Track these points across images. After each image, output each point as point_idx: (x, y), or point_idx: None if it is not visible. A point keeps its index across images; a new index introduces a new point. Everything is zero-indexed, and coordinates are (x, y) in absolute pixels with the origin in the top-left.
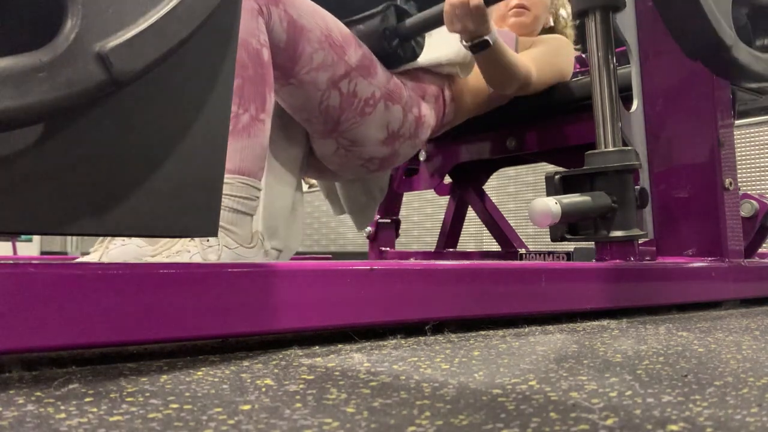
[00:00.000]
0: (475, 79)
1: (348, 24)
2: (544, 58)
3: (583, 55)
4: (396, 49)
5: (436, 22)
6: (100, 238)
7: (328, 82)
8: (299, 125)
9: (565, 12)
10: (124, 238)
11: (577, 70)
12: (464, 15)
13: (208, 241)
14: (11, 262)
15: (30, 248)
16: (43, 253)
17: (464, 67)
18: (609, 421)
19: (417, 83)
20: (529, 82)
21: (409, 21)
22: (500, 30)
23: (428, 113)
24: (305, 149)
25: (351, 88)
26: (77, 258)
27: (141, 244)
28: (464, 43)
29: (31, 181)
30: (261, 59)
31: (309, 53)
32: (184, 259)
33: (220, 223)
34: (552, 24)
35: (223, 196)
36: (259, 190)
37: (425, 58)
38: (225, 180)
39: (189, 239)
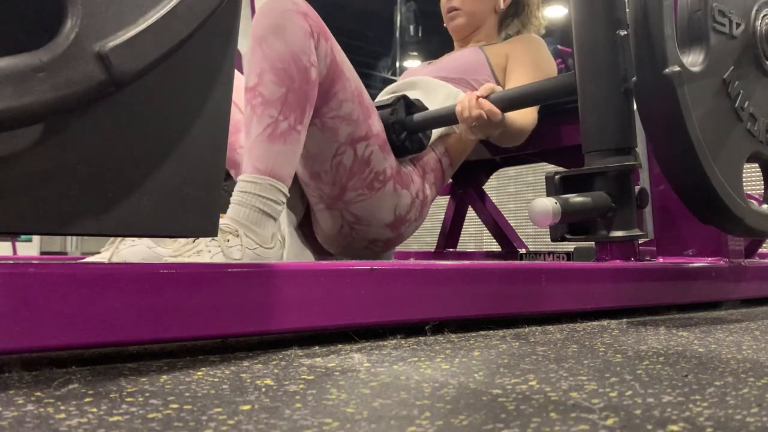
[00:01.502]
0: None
1: None
2: (534, 73)
3: (559, 47)
4: (404, 141)
5: (445, 120)
6: (111, 238)
7: (348, 137)
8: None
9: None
10: (134, 238)
11: (558, 64)
12: (481, 125)
13: (228, 240)
14: (11, 262)
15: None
16: (43, 253)
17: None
18: (609, 421)
19: (418, 162)
20: (534, 126)
21: (417, 116)
22: (468, 50)
23: (430, 191)
24: (302, 209)
25: (366, 153)
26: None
27: (151, 245)
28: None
29: (31, 181)
30: (308, 76)
31: (340, 99)
32: (205, 258)
33: (243, 222)
34: (520, 23)
35: (250, 194)
36: (286, 196)
37: (437, 131)
38: (254, 179)
39: (210, 239)
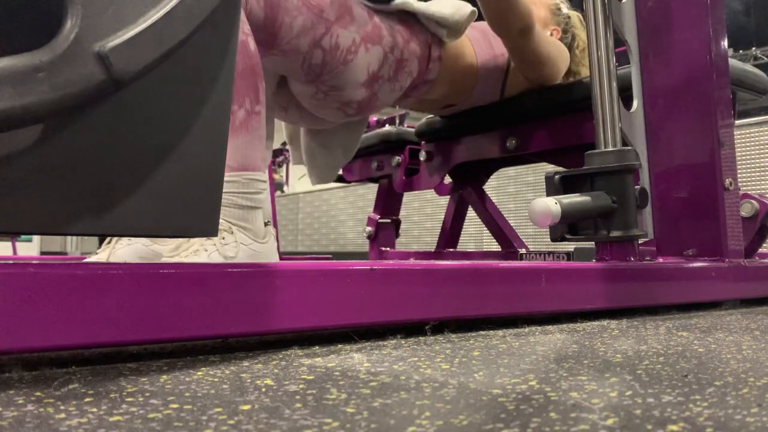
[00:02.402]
0: (466, 48)
1: None
2: (545, 34)
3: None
4: None
5: None
6: (108, 238)
7: (309, 44)
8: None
9: (579, 37)
10: (130, 238)
11: None
12: None
13: (224, 239)
14: (11, 262)
15: (30, 248)
16: (43, 253)
17: (452, 32)
18: (609, 421)
19: (405, 28)
20: (530, 25)
21: None
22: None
23: (411, 60)
24: (274, 86)
25: (333, 42)
26: (84, 258)
27: (147, 243)
28: None
29: (31, 181)
30: (248, 50)
31: (288, 23)
32: (202, 257)
33: (233, 221)
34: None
35: (231, 194)
36: (265, 182)
37: (418, 5)
38: (231, 178)
39: (206, 238)
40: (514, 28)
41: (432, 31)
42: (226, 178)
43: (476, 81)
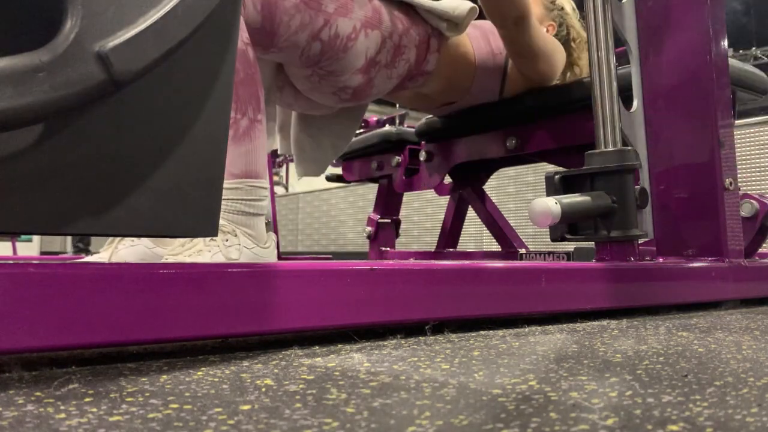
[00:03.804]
0: (464, 45)
1: None
2: (542, 31)
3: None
4: None
5: None
6: (110, 238)
7: (308, 38)
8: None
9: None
10: (134, 239)
11: None
12: None
13: (227, 240)
14: (11, 262)
15: (30, 248)
16: (43, 253)
17: (453, 27)
18: (609, 421)
19: (405, 16)
20: (526, 14)
21: None
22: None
23: (408, 46)
24: (272, 71)
25: (332, 32)
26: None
27: (150, 245)
28: None
29: (31, 181)
30: (248, 59)
31: (286, 22)
32: (205, 258)
33: (237, 227)
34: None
35: (234, 201)
36: (267, 189)
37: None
38: (234, 185)
39: (209, 239)
40: (510, 16)
41: (432, 24)
42: (229, 185)
43: (474, 78)
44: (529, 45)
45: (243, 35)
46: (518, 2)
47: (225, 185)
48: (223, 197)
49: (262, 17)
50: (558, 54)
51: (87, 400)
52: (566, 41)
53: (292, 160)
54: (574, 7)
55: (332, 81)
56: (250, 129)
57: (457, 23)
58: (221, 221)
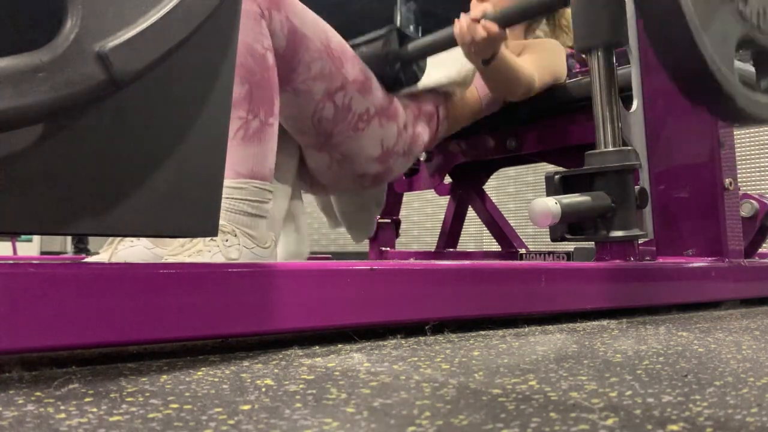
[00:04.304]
0: (469, 91)
1: (351, 47)
2: (542, 63)
3: (583, 55)
4: (398, 73)
5: (439, 47)
6: (110, 239)
7: (323, 93)
8: (291, 137)
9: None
10: (133, 239)
11: (578, 70)
12: (481, 43)
13: (227, 240)
14: (11, 262)
15: (30, 248)
16: (43, 253)
17: (462, 86)
18: (609, 421)
19: (414, 102)
20: (532, 87)
21: (411, 45)
22: None
23: (423, 131)
24: (297, 159)
25: (346, 101)
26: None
27: (149, 245)
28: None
29: (31, 181)
30: (267, 63)
31: (307, 62)
32: (205, 258)
33: (238, 226)
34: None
35: (238, 200)
36: (271, 192)
37: (426, 80)
38: (239, 185)
39: (209, 239)
40: (518, 94)
41: (443, 91)
42: (234, 184)
43: (481, 110)
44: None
45: (265, 41)
46: (523, 82)
47: (230, 184)
48: (227, 196)
49: (286, 43)
50: (557, 63)
51: (87, 400)
52: (555, 25)
53: None
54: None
55: (350, 168)
56: (260, 131)
57: (465, 83)
58: (222, 221)
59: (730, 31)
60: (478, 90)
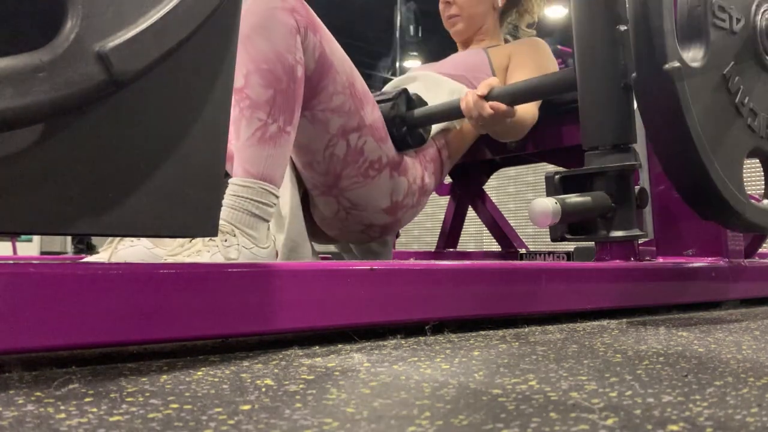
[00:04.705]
0: (467, 128)
1: None
2: (536, 74)
3: (560, 47)
4: (405, 136)
5: (447, 116)
6: (110, 238)
7: (339, 128)
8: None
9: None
10: (133, 239)
11: (559, 64)
12: (489, 119)
13: (226, 240)
14: (11, 262)
15: (30, 248)
16: (43, 253)
17: (460, 120)
18: (609, 421)
19: (420, 152)
20: (534, 122)
21: (418, 111)
22: (470, 51)
23: (430, 180)
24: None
25: (359, 144)
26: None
27: (149, 245)
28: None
29: (31, 181)
30: (295, 75)
31: (330, 92)
32: (204, 258)
33: (239, 225)
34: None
35: (243, 199)
36: (277, 197)
37: (441, 127)
38: (246, 183)
39: (208, 239)
40: (524, 134)
41: (442, 130)
42: (242, 182)
43: (478, 134)
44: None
45: (298, 54)
46: (526, 125)
47: (238, 182)
48: (233, 193)
49: (315, 66)
50: (550, 64)
51: (87, 400)
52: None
53: None
54: None
55: (358, 217)
56: (277, 136)
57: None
58: (222, 220)
59: (740, 146)
60: None
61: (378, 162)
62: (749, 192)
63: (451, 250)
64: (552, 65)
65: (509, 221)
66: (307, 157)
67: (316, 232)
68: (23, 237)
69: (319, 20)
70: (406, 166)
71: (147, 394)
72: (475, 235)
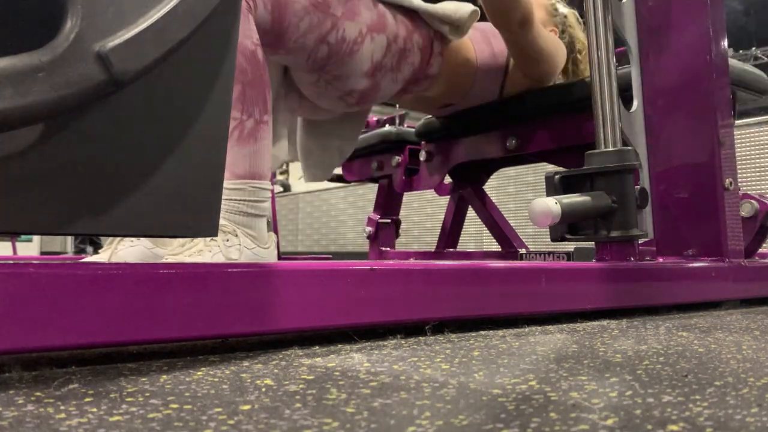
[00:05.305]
0: (465, 47)
1: None
2: (542, 28)
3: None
4: None
5: None
6: (110, 238)
7: (315, 41)
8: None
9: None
10: (133, 239)
11: None
12: None
13: (227, 240)
14: (11, 262)
15: (30, 248)
16: (43, 253)
17: (455, 30)
18: (609, 421)
19: (409, 20)
20: (530, 16)
21: None
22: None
23: (413, 50)
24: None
25: (339, 36)
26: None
27: (150, 245)
28: None
29: (31, 181)
30: (257, 60)
31: (295, 24)
32: (205, 258)
33: (239, 227)
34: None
35: (237, 201)
36: (269, 190)
37: (418, 3)
38: (237, 186)
39: (209, 239)
40: (515, 19)
41: (435, 28)
42: (232, 186)
43: (475, 79)
44: (532, 47)
45: (254, 36)
46: (521, 5)
47: (228, 185)
48: (225, 197)
49: (272, 18)
50: (560, 54)
51: (87, 400)
52: (570, 50)
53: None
54: (579, 18)
55: (338, 86)
56: (255, 130)
57: (459, 26)
58: (222, 221)
59: None
60: (476, 52)
61: (359, 35)
62: (749, 192)
63: (451, 250)
64: (561, 45)
65: (509, 221)
66: (291, 66)
67: (290, 91)
68: (23, 237)
69: None
70: (384, 23)
71: (147, 394)
72: (475, 235)
